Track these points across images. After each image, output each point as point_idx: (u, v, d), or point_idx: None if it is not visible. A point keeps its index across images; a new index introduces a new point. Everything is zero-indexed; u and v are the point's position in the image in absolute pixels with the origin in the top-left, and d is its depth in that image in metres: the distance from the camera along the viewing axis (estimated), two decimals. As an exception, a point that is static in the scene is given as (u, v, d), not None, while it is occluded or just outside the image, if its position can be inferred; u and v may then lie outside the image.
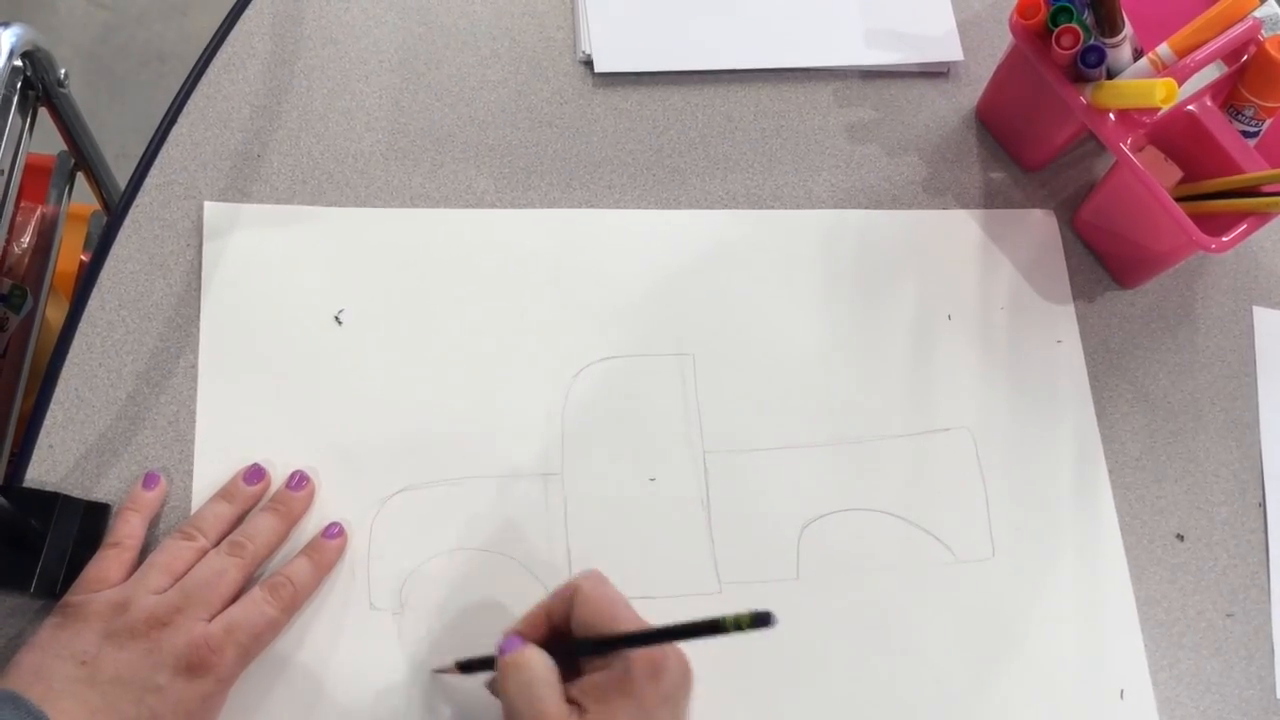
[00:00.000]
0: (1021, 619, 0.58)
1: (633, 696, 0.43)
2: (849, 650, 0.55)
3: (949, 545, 0.58)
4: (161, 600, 0.48)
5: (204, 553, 0.50)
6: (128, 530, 0.50)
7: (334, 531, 0.53)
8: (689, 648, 0.45)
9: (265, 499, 0.53)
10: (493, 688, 0.50)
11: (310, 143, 0.62)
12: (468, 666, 0.50)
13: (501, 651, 0.45)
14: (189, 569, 0.50)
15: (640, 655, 0.43)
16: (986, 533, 0.59)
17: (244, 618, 0.48)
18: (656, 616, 0.54)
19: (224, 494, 0.53)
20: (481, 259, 0.60)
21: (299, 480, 0.53)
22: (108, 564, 0.49)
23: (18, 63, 0.63)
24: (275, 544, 0.52)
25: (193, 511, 0.52)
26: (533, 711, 0.43)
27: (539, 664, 0.44)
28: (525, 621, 0.48)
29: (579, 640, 0.46)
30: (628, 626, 0.45)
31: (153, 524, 0.52)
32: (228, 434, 0.54)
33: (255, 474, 0.53)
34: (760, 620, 0.40)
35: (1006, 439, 0.62)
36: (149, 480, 0.52)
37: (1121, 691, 0.57)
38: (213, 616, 0.48)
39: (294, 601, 0.50)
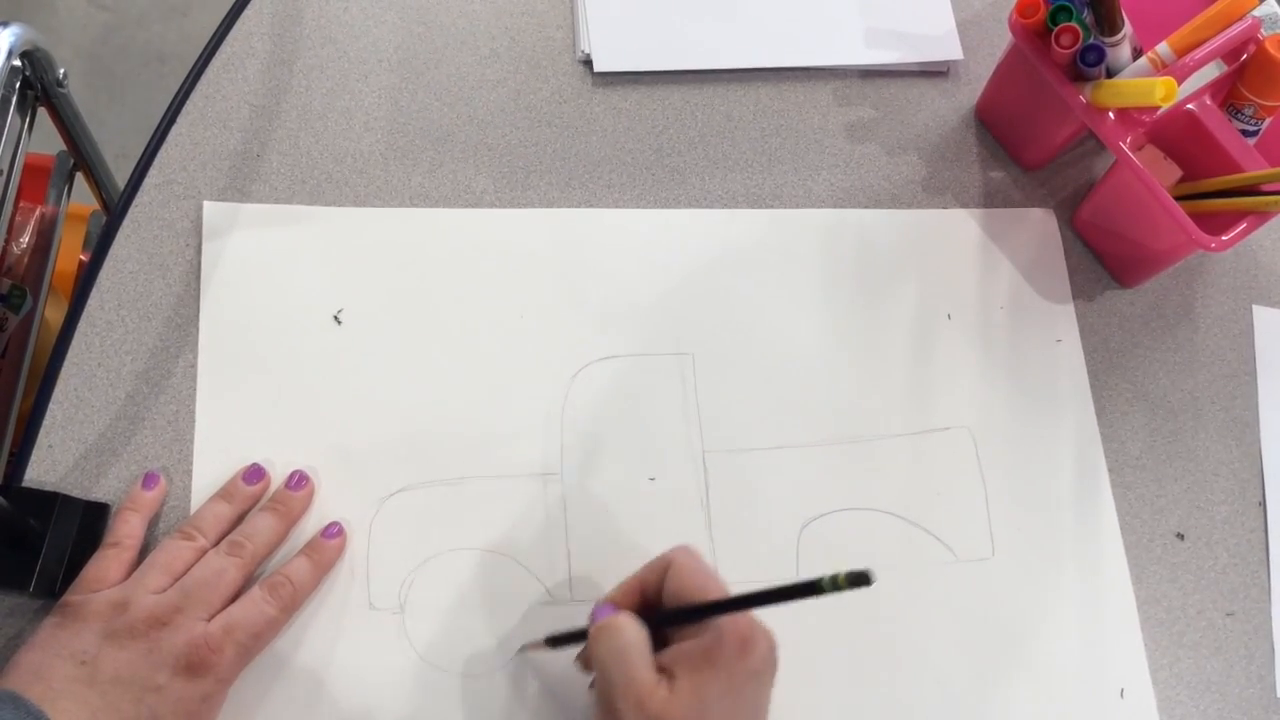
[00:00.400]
0: (1021, 618, 0.58)
1: (722, 668, 0.43)
2: (849, 650, 0.55)
3: (949, 545, 0.58)
4: (161, 600, 0.48)
5: (203, 552, 0.50)
6: (127, 530, 0.50)
7: (333, 531, 0.53)
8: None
9: (265, 499, 0.53)
10: (581, 661, 0.50)
11: (309, 142, 0.62)
12: (556, 641, 0.50)
13: (594, 618, 0.46)
14: (187, 568, 0.50)
15: (730, 629, 0.43)
16: (986, 532, 0.59)
17: (243, 617, 0.48)
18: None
19: (223, 494, 0.53)
20: (481, 259, 0.60)
21: (298, 480, 0.53)
22: (107, 563, 0.49)
23: (17, 63, 0.63)
24: (274, 543, 0.52)
25: (192, 511, 0.52)
26: (624, 676, 0.43)
27: (632, 629, 0.45)
28: (618, 591, 0.48)
29: (670, 609, 0.46)
30: (717, 598, 0.45)
31: (152, 524, 0.52)
32: (227, 434, 0.54)
33: (255, 474, 0.53)
34: (858, 579, 0.39)
35: (1006, 438, 0.62)
36: (148, 480, 0.52)
37: (1122, 691, 0.57)
38: (212, 616, 0.48)
39: (293, 601, 0.50)
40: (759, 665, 0.44)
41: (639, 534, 0.56)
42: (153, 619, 0.47)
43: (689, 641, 0.44)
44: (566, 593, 0.54)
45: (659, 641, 0.45)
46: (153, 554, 0.50)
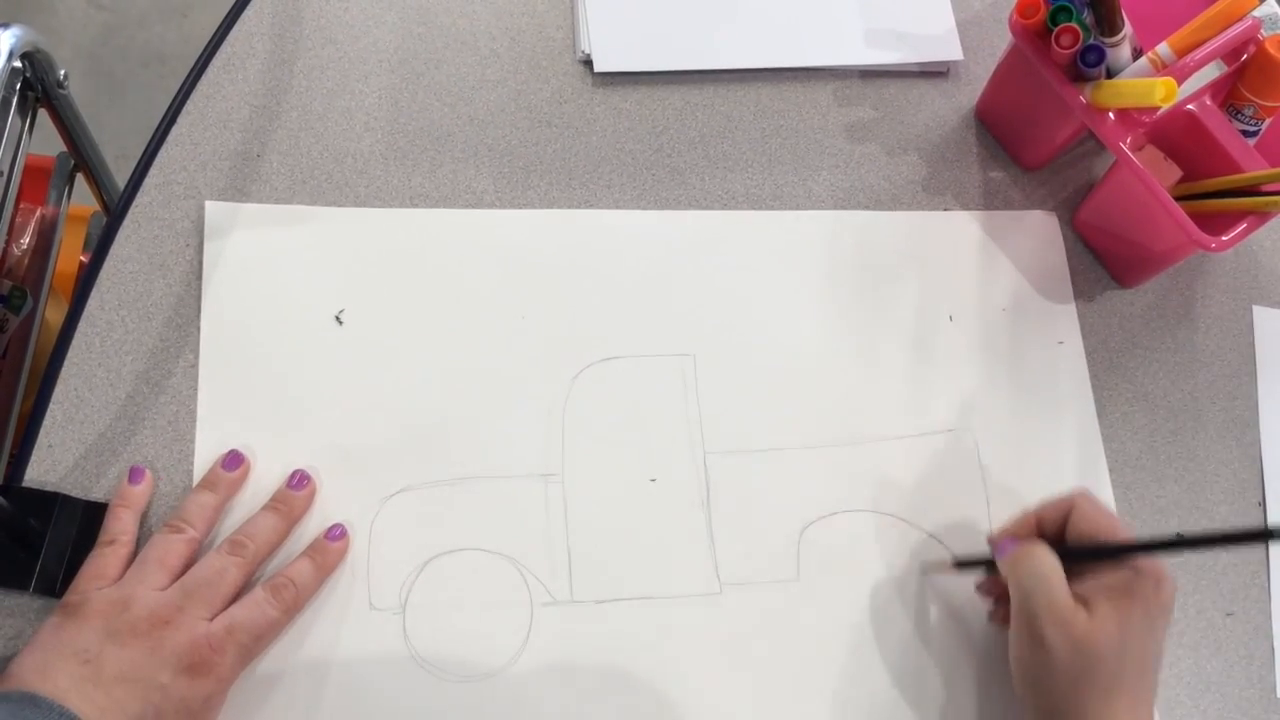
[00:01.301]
0: (1022, 618, 0.58)
1: (1140, 600, 0.48)
2: (850, 650, 0.55)
3: (950, 546, 0.58)
4: (163, 599, 0.48)
5: (195, 544, 0.50)
6: (120, 527, 0.50)
7: (337, 534, 0.53)
8: None
9: (248, 485, 0.53)
10: (984, 588, 0.56)
11: (310, 143, 0.62)
12: (964, 564, 0.55)
13: (1001, 550, 0.52)
14: (183, 562, 0.50)
15: (1147, 566, 0.49)
16: (988, 534, 0.59)
17: (246, 618, 0.48)
18: (656, 616, 0.54)
19: (206, 483, 0.53)
20: (481, 259, 0.60)
21: (300, 480, 0.53)
22: (104, 561, 0.49)
23: (17, 64, 0.63)
24: (276, 543, 0.52)
25: (187, 506, 0.52)
26: (1047, 597, 0.48)
27: (1049, 556, 0.50)
28: (1016, 525, 0.54)
29: (1084, 546, 0.51)
30: (1125, 537, 0.50)
31: (145, 519, 0.52)
32: (228, 434, 0.54)
33: (233, 460, 0.53)
34: None
35: (1008, 440, 0.61)
36: (134, 474, 0.52)
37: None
38: (214, 616, 0.48)
39: (296, 603, 0.50)
40: (1168, 603, 0.49)
41: (640, 535, 0.56)
42: (155, 618, 0.47)
43: (1107, 575, 0.49)
44: (567, 594, 0.54)
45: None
46: (145, 550, 0.50)
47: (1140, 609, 0.48)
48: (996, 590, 0.55)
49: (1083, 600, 0.48)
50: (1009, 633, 0.51)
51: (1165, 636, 0.49)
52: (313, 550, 0.52)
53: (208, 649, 0.47)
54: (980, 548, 0.55)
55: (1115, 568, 0.49)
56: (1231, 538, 0.48)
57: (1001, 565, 0.52)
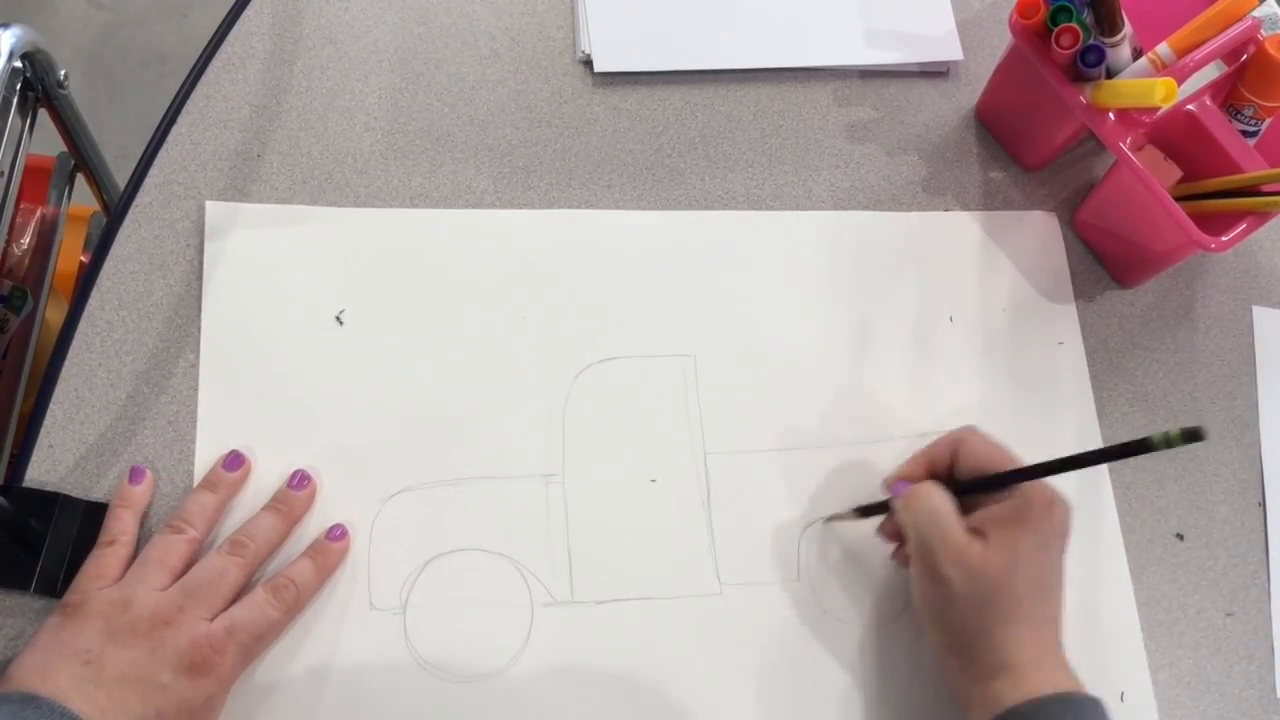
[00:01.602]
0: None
1: (1030, 526, 0.49)
2: (851, 651, 0.55)
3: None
4: (163, 599, 0.48)
5: (195, 544, 0.51)
6: (120, 527, 0.50)
7: (337, 534, 0.53)
8: None
9: (249, 485, 0.53)
10: (884, 533, 0.56)
11: (310, 143, 0.62)
12: (865, 511, 0.56)
13: (895, 491, 0.53)
14: (184, 562, 0.50)
15: (1036, 493, 0.49)
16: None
17: (246, 618, 0.48)
18: (656, 616, 0.54)
19: (207, 484, 0.53)
20: (481, 259, 0.60)
21: (300, 480, 0.53)
22: (105, 561, 0.49)
23: (17, 64, 0.63)
24: (276, 543, 0.52)
25: (188, 506, 0.52)
26: (940, 533, 0.50)
27: (940, 493, 0.51)
28: (906, 466, 0.55)
29: (971, 479, 0.52)
30: (1014, 467, 0.51)
31: (146, 520, 0.52)
32: (229, 434, 0.54)
33: (234, 460, 0.53)
34: (1191, 435, 0.41)
35: (1008, 440, 0.61)
36: (135, 475, 0.52)
37: (1122, 694, 0.57)
38: (214, 616, 0.48)
39: (296, 603, 0.50)
40: (1060, 526, 0.50)
41: (640, 535, 0.56)
42: (155, 618, 0.47)
43: (996, 505, 0.50)
44: (568, 594, 0.54)
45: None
46: (146, 550, 0.50)
47: (1030, 534, 0.49)
48: (895, 533, 0.56)
49: (977, 532, 0.49)
50: (910, 573, 0.52)
51: (1063, 559, 0.50)
52: (313, 550, 0.52)
53: (208, 649, 0.47)
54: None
55: (1007, 498, 0.50)
56: (1109, 453, 0.48)
57: (895, 507, 0.53)
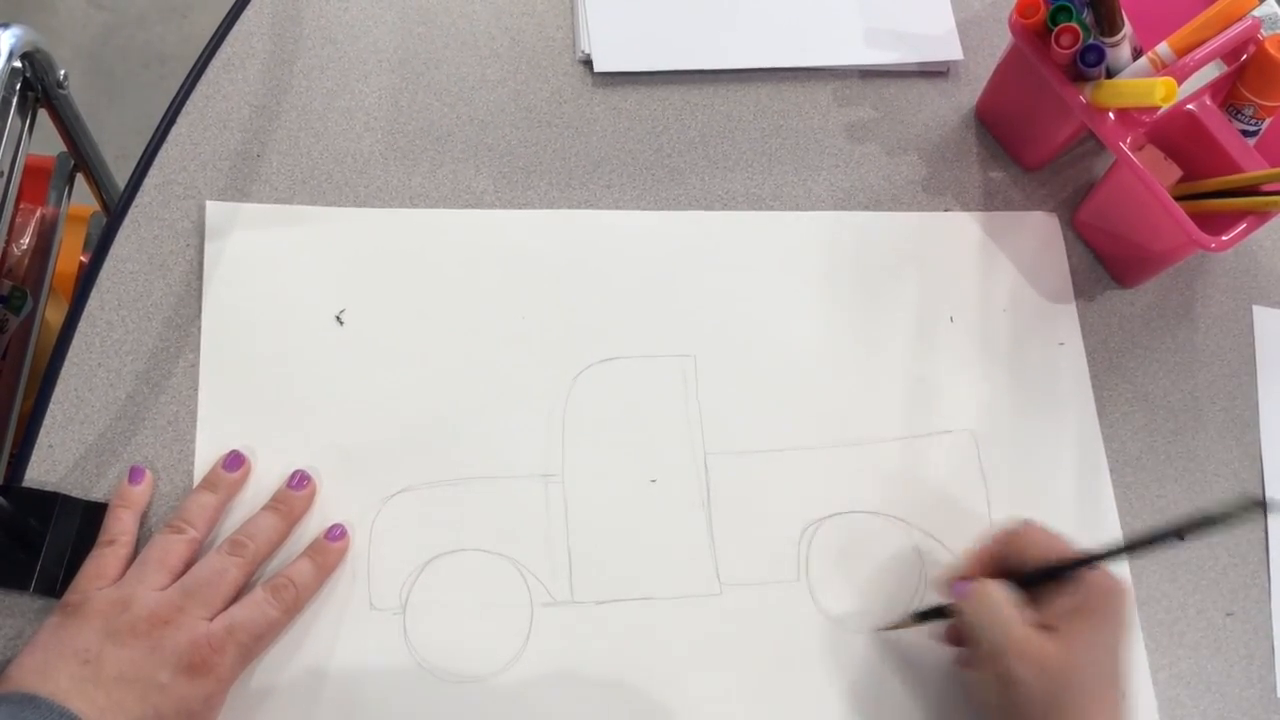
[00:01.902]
0: (1022, 619, 0.58)
1: (1098, 615, 0.48)
2: (851, 651, 0.55)
3: (951, 548, 0.58)
4: (163, 598, 0.48)
5: (196, 544, 0.51)
6: (120, 527, 0.50)
7: (337, 534, 0.53)
8: None
9: (249, 485, 0.53)
10: (948, 637, 0.54)
11: (310, 143, 0.62)
12: (923, 617, 0.54)
13: (956, 593, 0.51)
14: (184, 563, 0.50)
15: (1101, 581, 0.49)
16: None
17: (246, 618, 0.48)
18: (656, 616, 0.54)
19: (207, 484, 0.53)
20: (481, 259, 0.60)
21: (300, 480, 0.53)
22: (104, 561, 0.49)
23: (17, 64, 0.63)
24: (276, 543, 0.52)
25: (189, 506, 0.52)
26: (1005, 632, 0.48)
27: (1003, 591, 0.50)
28: (964, 565, 0.53)
29: (1033, 570, 0.50)
30: (1073, 555, 0.50)
31: (145, 520, 0.52)
32: (228, 434, 0.54)
33: (234, 461, 0.53)
34: (1258, 506, 0.43)
35: (1008, 441, 0.61)
36: (134, 475, 0.52)
37: (1122, 694, 0.57)
38: (214, 616, 0.48)
39: (296, 603, 0.50)
40: (1126, 614, 0.49)
41: (640, 536, 0.56)
42: (155, 617, 0.47)
43: (1061, 597, 0.49)
44: (567, 594, 0.54)
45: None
46: (145, 550, 0.50)
47: (1097, 624, 0.48)
48: (958, 637, 0.54)
49: (1045, 628, 0.48)
50: (971, 677, 0.51)
51: (1129, 647, 0.49)
52: (313, 550, 0.52)
53: (208, 649, 0.47)
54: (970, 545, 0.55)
55: (1071, 589, 0.49)
56: (1169, 534, 0.48)
57: (959, 608, 0.51)
